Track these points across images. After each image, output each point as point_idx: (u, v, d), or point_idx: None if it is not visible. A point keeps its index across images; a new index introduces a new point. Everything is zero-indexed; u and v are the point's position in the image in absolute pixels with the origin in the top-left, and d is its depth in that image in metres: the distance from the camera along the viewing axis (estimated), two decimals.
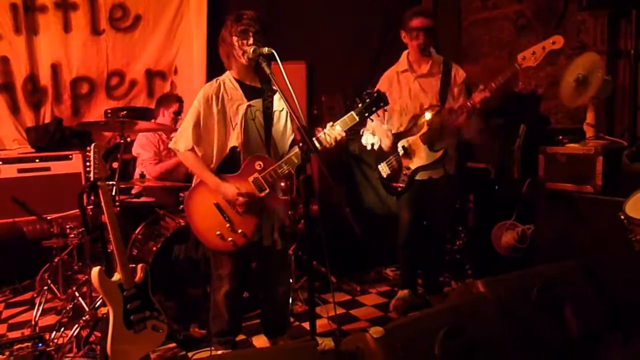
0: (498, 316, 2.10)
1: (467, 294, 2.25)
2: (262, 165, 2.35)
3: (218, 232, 2.37)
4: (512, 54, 4.76)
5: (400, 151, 3.08)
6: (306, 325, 3.01)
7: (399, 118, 3.13)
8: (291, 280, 3.32)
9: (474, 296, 2.18)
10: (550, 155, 3.08)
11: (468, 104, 2.86)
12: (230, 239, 2.37)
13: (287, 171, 2.36)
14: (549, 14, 4.43)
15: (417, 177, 3.10)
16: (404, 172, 3.10)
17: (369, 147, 3.27)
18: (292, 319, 3.14)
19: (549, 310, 2.24)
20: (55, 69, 4.47)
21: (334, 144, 2.26)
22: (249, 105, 2.39)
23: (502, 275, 2.32)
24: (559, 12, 4.36)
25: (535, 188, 3.18)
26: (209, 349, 2.64)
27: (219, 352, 2.55)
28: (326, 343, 1.75)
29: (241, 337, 2.85)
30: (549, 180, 3.07)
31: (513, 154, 3.68)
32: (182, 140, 2.39)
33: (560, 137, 3.17)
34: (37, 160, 4.04)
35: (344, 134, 2.27)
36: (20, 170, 3.98)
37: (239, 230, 2.38)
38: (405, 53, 3.14)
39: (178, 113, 3.77)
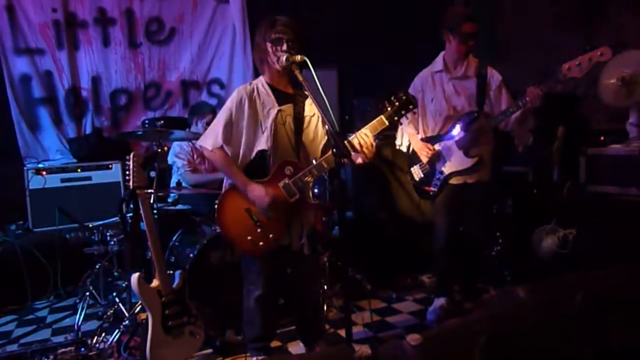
0: (540, 323, 2.03)
1: (507, 300, 2.18)
2: (292, 170, 2.35)
3: (249, 237, 2.37)
4: (548, 54, 4.67)
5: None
6: (342, 332, 2.99)
7: (434, 119, 3.09)
8: (326, 287, 3.31)
9: (515, 303, 2.12)
10: (591, 157, 3.00)
11: (520, 103, 2.75)
12: (261, 243, 2.37)
13: (317, 176, 2.35)
14: (588, 12, 4.31)
15: (452, 182, 3.05)
16: (437, 177, 3.06)
17: (404, 150, 3.25)
18: (327, 326, 3.13)
19: (594, 318, 2.16)
20: (95, 82, 4.63)
21: (365, 151, 2.22)
22: (280, 110, 2.40)
23: (543, 281, 2.24)
24: (598, 10, 4.24)
25: (576, 191, 3.09)
26: (243, 355, 2.66)
27: (253, 358, 2.55)
28: (363, 350, 1.74)
29: (277, 343, 2.86)
30: (591, 183, 2.98)
31: (552, 157, 3.58)
32: (211, 138, 2.39)
33: (602, 137, 3.07)
34: (78, 170, 4.19)
35: (372, 141, 2.22)
36: (63, 180, 4.13)
37: (270, 235, 2.37)
38: (442, 54, 3.10)
39: (210, 123, 3.80)
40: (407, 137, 3.24)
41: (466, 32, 2.90)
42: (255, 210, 2.36)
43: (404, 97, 2.24)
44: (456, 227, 3.18)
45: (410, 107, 2.25)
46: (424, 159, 3.06)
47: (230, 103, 2.40)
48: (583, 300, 2.15)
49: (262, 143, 2.37)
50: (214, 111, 3.86)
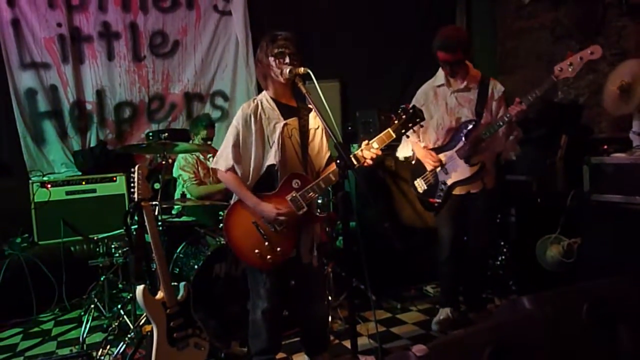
0: (546, 334, 2.02)
1: (512, 310, 2.17)
2: (299, 184, 2.36)
3: (257, 251, 2.37)
4: (549, 64, 4.68)
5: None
6: (347, 343, 2.98)
7: (436, 132, 3.10)
8: (330, 298, 3.30)
9: (520, 313, 2.11)
10: (595, 166, 2.99)
11: (505, 117, 2.81)
12: (269, 257, 2.38)
13: (324, 189, 2.36)
14: (588, 21, 4.33)
15: (456, 192, 3.05)
16: (440, 188, 3.06)
17: (401, 158, 3.27)
18: (332, 337, 3.12)
19: (601, 329, 2.14)
20: (100, 95, 4.68)
21: (371, 162, 2.26)
22: (286, 124, 2.42)
23: (549, 291, 2.23)
24: (598, 18, 4.25)
25: (580, 200, 3.09)
26: None
27: None
28: None
29: (282, 355, 2.85)
30: (595, 191, 2.98)
31: (555, 166, 3.58)
32: (223, 159, 2.42)
33: (605, 146, 3.07)
34: (83, 183, 4.21)
35: (380, 152, 2.26)
36: (68, 193, 4.15)
37: (278, 249, 2.38)
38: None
39: (207, 139, 3.81)
40: (408, 147, 3.23)
41: (440, 59, 2.94)
42: (263, 223, 2.38)
43: (411, 111, 2.24)
44: (460, 238, 3.18)
45: (418, 120, 2.25)
46: (429, 167, 3.06)
47: (236, 122, 2.42)
48: (589, 310, 2.14)
49: (271, 157, 2.39)
50: (209, 126, 3.86)
